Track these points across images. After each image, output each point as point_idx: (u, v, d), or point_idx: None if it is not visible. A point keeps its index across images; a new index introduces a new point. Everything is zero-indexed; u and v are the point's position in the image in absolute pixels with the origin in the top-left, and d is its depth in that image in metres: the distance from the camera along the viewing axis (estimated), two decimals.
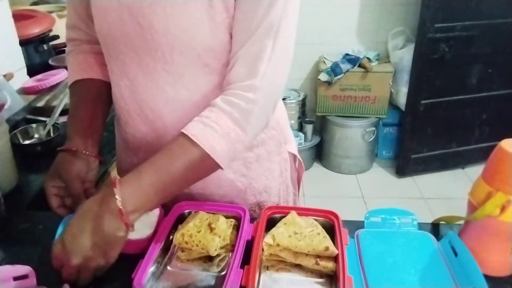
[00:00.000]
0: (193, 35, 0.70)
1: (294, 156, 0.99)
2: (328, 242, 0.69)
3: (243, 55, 0.70)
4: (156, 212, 0.80)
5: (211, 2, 0.68)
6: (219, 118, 0.68)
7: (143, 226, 0.76)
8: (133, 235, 0.73)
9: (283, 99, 2.65)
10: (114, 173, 1.36)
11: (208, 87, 0.75)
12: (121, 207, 0.63)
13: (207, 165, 0.69)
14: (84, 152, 0.81)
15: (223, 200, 0.87)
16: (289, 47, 0.72)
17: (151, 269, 0.68)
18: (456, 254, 0.70)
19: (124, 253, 0.70)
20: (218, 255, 0.72)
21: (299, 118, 2.84)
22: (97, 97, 0.87)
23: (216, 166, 0.70)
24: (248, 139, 0.71)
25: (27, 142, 1.19)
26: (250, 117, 0.69)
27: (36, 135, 1.21)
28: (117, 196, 0.63)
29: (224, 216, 0.76)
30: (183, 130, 0.68)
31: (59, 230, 0.74)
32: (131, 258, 0.71)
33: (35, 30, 1.62)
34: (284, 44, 0.70)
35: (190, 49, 0.71)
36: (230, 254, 0.73)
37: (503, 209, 0.65)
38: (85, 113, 0.85)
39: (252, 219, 0.78)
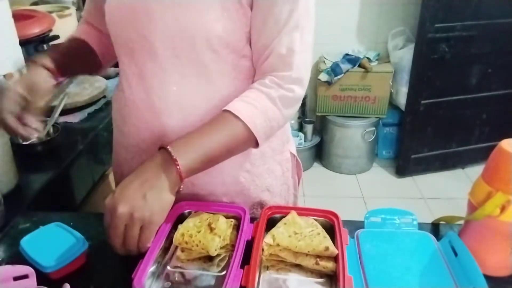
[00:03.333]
0: (204, 21, 0.72)
1: (293, 157, 0.99)
2: (328, 242, 0.69)
3: (277, 48, 0.74)
4: None
5: None
6: (258, 97, 0.74)
7: None
8: None
9: None
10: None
11: (216, 74, 0.77)
12: (175, 158, 0.66)
13: (246, 139, 0.74)
14: (39, 63, 0.81)
15: (225, 197, 0.87)
16: (311, 41, 0.78)
17: (151, 269, 0.68)
18: (456, 254, 0.70)
19: (107, 257, 0.71)
20: (218, 255, 0.72)
21: (299, 118, 2.84)
22: (82, 50, 0.92)
23: (253, 142, 0.75)
24: (282, 120, 0.77)
25: (27, 142, 1.19)
26: (287, 103, 0.76)
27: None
28: (170, 150, 0.67)
29: (224, 216, 0.76)
30: (225, 108, 0.73)
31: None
32: (131, 258, 0.71)
33: (35, 30, 1.61)
34: (308, 39, 0.76)
35: (200, 34, 0.73)
36: (230, 254, 0.73)
37: (503, 209, 0.65)
38: (64, 51, 0.90)
39: (252, 219, 0.78)
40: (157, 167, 0.67)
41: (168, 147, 0.68)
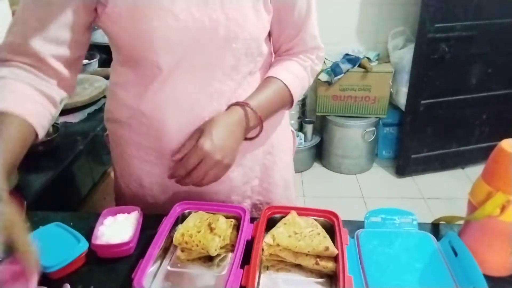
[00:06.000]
0: (244, 27, 0.76)
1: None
2: (328, 242, 0.69)
3: (305, 37, 0.87)
4: (136, 215, 0.80)
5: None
6: (299, 69, 0.88)
7: (123, 230, 0.76)
8: (114, 240, 0.73)
9: None
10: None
11: (246, 75, 0.83)
12: (260, 115, 0.81)
13: (287, 102, 0.89)
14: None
15: (255, 180, 0.94)
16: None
17: (151, 269, 0.68)
18: (456, 254, 0.70)
19: (107, 257, 0.72)
20: (218, 255, 0.72)
21: (299, 118, 2.84)
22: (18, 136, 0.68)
23: (289, 106, 0.90)
24: (308, 87, 0.93)
25: None
26: (313, 76, 0.92)
27: None
28: (252, 108, 0.80)
29: (224, 216, 0.76)
30: (275, 76, 0.85)
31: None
32: (131, 258, 0.71)
33: None
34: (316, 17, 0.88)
35: (241, 40, 0.77)
36: (230, 254, 0.73)
37: (503, 209, 0.65)
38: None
39: (252, 219, 0.78)
40: (245, 126, 0.80)
41: (247, 104, 0.80)
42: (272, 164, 0.95)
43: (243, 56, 0.79)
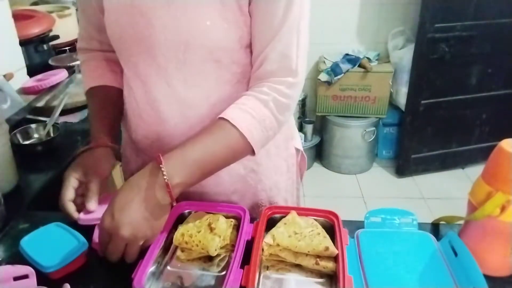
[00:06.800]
0: (206, 34, 0.72)
1: (298, 152, 1.01)
2: (328, 242, 0.69)
3: (271, 54, 0.73)
4: None
5: (223, 2, 0.70)
6: (256, 105, 0.73)
7: None
8: None
9: None
10: (115, 171, 1.36)
11: (218, 82, 0.77)
12: (167, 181, 0.66)
13: (243, 149, 0.73)
14: (113, 150, 0.84)
15: (234, 195, 0.88)
16: (307, 45, 0.75)
17: (151, 269, 0.68)
18: (456, 254, 0.70)
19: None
20: (218, 255, 0.72)
21: (299, 118, 2.84)
22: (110, 102, 0.89)
23: (249, 152, 0.74)
24: (278, 128, 0.76)
25: (27, 142, 1.19)
26: (284, 110, 0.75)
27: (36, 135, 1.21)
28: (163, 170, 0.66)
29: (224, 216, 0.76)
30: (222, 115, 0.72)
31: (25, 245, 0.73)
32: None
33: (35, 30, 1.62)
34: (304, 42, 0.74)
35: (203, 47, 0.73)
36: (230, 254, 0.73)
37: (503, 209, 0.65)
38: (106, 115, 0.88)
39: (252, 219, 0.78)
40: (153, 184, 0.66)
41: (161, 166, 0.66)
42: (255, 183, 0.88)
43: (209, 62, 0.74)
